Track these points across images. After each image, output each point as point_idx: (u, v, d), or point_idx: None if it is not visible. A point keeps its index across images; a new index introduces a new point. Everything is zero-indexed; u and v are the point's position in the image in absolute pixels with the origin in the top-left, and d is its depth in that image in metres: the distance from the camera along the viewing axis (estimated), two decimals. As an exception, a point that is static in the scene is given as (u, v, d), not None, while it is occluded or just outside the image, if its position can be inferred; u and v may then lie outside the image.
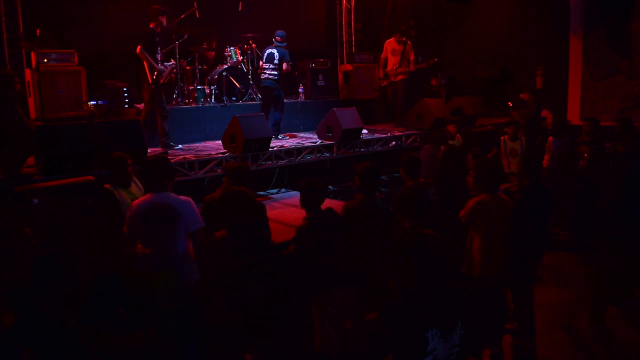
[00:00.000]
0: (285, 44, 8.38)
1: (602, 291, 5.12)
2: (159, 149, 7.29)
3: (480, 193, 4.34)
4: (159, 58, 7.14)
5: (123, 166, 4.51)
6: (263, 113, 8.12)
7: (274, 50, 8.34)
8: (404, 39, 9.70)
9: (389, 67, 9.82)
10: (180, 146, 7.57)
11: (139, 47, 6.93)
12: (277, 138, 8.36)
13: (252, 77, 9.49)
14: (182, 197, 3.71)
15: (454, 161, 5.11)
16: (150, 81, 7.02)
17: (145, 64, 6.98)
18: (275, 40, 8.38)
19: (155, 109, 7.16)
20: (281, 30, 8.42)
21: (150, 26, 7.06)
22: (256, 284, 3.60)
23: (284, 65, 8.30)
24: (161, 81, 7.14)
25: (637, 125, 8.04)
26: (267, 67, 8.36)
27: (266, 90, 8.44)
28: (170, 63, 7.42)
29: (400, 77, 9.72)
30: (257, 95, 9.43)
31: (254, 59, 9.64)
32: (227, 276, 3.53)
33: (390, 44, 9.82)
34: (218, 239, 3.58)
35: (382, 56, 9.95)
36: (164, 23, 7.17)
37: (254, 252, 3.61)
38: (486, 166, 4.37)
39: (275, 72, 8.33)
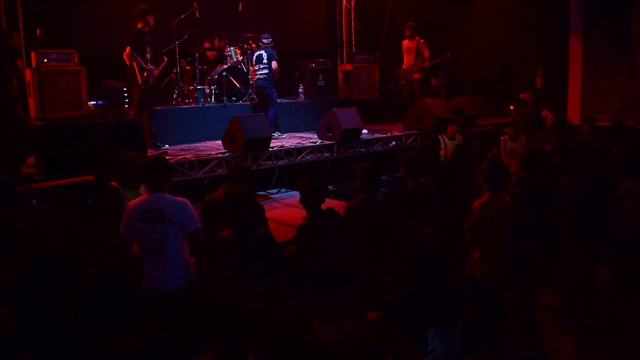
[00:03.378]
0: (272, 44, 8.64)
1: (588, 292, 5.10)
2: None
3: (484, 193, 4.33)
4: (149, 57, 7.08)
5: (131, 167, 4.39)
6: (263, 113, 8.12)
7: (262, 52, 8.57)
8: (416, 37, 9.76)
9: (404, 66, 9.88)
10: (166, 146, 7.47)
11: (128, 48, 6.89)
12: (273, 137, 8.29)
13: (251, 77, 9.50)
14: (178, 198, 3.70)
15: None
16: (140, 82, 6.98)
17: (134, 64, 6.94)
18: (262, 42, 8.65)
19: (144, 109, 7.12)
20: (266, 34, 8.74)
21: (138, 26, 6.99)
22: (257, 283, 3.59)
23: (273, 64, 8.46)
24: (151, 81, 7.09)
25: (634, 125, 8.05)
26: (257, 68, 8.56)
27: (258, 89, 8.59)
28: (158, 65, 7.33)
29: (415, 75, 9.77)
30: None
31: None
32: (231, 275, 3.52)
33: (404, 43, 9.92)
34: (225, 238, 3.56)
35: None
36: (152, 23, 7.11)
37: (258, 251, 3.59)
38: (493, 167, 4.35)
39: (266, 72, 8.47)
